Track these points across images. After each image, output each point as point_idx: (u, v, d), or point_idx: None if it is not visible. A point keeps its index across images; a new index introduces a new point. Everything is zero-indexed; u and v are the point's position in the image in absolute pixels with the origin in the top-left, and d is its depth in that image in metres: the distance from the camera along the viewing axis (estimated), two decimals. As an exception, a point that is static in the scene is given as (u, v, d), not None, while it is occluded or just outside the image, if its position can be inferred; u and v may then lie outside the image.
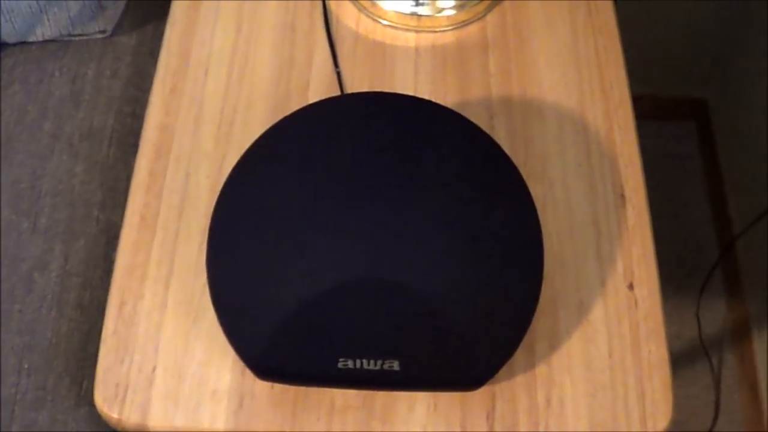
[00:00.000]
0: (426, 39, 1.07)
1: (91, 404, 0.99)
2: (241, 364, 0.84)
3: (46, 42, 1.23)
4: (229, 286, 0.79)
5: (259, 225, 0.78)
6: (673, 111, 2.26)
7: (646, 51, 2.02)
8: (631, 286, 0.91)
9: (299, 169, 0.79)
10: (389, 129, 0.81)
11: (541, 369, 0.86)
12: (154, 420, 0.84)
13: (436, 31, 1.07)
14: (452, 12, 1.07)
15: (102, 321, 0.90)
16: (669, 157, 2.23)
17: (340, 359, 0.77)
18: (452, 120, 0.84)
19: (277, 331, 0.76)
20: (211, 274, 0.80)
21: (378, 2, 1.07)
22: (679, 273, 2.03)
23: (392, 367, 0.77)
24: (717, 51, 2.08)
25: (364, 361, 0.77)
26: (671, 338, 1.83)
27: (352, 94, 0.86)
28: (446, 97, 1.01)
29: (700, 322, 1.98)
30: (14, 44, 1.23)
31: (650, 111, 2.20)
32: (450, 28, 1.07)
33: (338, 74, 1.03)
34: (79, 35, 1.23)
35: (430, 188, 0.77)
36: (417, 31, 1.07)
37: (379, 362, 0.77)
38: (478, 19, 1.08)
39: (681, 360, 1.95)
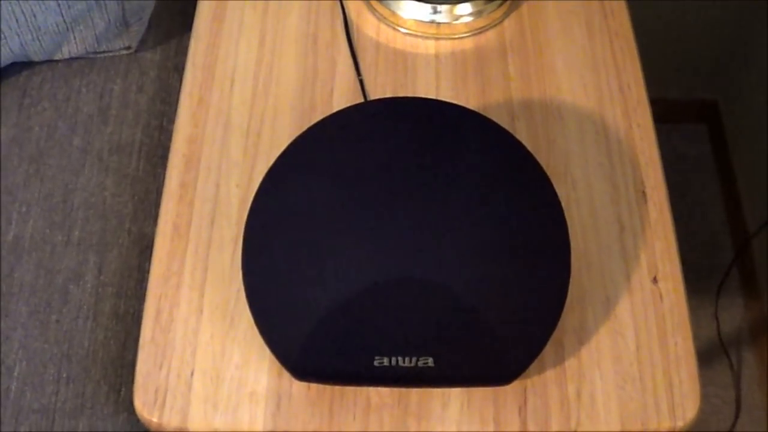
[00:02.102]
0: (445, 46, 1.09)
1: (130, 411, 1.01)
2: (278, 365, 0.86)
3: (72, 59, 1.25)
4: (264, 290, 0.81)
5: (293, 229, 0.80)
6: (684, 113, 2.27)
7: (656, 54, 2.04)
8: (655, 280, 0.92)
9: (330, 174, 0.81)
10: (416, 132, 0.83)
11: (570, 363, 0.88)
12: (194, 423, 0.86)
13: (455, 38, 1.09)
14: (470, 19, 1.09)
15: (137, 329, 0.92)
16: (681, 159, 2.24)
17: (376, 358, 0.79)
18: (477, 122, 0.85)
19: (313, 333, 0.78)
20: (247, 278, 0.82)
21: (397, 11, 1.09)
22: (696, 274, 2.04)
23: (427, 363, 0.79)
24: (727, 53, 2.08)
25: (400, 359, 0.79)
26: (690, 338, 1.84)
27: (378, 99, 0.88)
28: (468, 102, 1.03)
29: (718, 322, 1.99)
30: (41, 62, 1.25)
31: (661, 114, 2.21)
32: (468, 34, 1.09)
33: (361, 82, 1.05)
34: (105, 52, 1.25)
35: (458, 189, 0.79)
36: (436, 39, 1.09)
37: (414, 359, 0.79)
38: (496, 24, 1.10)
39: (700, 359, 1.95)
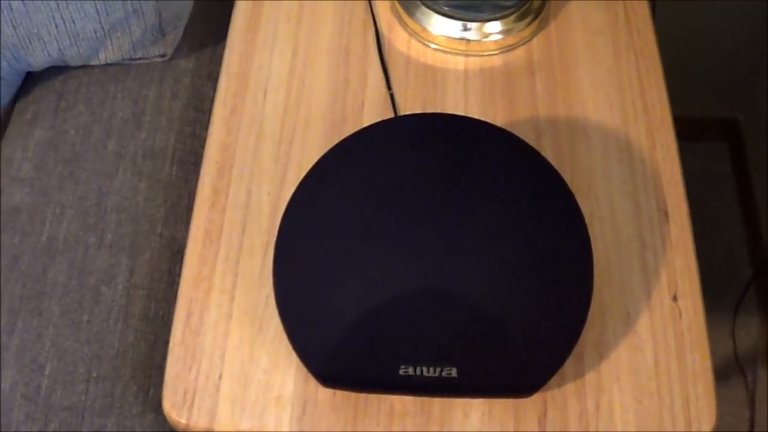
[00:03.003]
0: (474, 62, 1.11)
1: (157, 411, 1.03)
2: (304, 371, 0.88)
3: (107, 65, 1.27)
4: (294, 297, 0.83)
5: (324, 238, 0.82)
6: (705, 132, 2.28)
7: (678, 72, 2.05)
8: (675, 298, 0.94)
9: (361, 186, 0.83)
10: (445, 148, 0.85)
11: (590, 377, 0.90)
12: (221, 425, 0.88)
13: (484, 55, 1.11)
14: (499, 37, 1.11)
15: (166, 332, 0.94)
16: (702, 177, 2.24)
17: (401, 367, 0.80)
18: (504, 139, 0.87)
19: (340, 340, 0.80)
20: (277, 284, 0.84)
21: (428, 27, 1.11)
22: (714, 292, 2.04)
23: (450, 374, 0.81)
24: (749, 72, 2.09)
25: (424, 369, 0.80)
26: (706, 354, 1.84)
27: (408, 115, 0.90)
28: (495, 118, 1.05)
29: (735, 340, 2.00)
30: (78, 67, 1.27)
31: (682, 131, 2.21)
32: (497, 52, 1.11)
33: (391, 96, 1.07)
34: (140, 59, 1.27)
35: (485, 203, 0.81)
36: (466, 55, 1.11)
37: (438, 369, 0.80)
38: (524, 43, 1.12)
39: (716, 377, 1.96)
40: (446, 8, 1.11)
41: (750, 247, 2.14)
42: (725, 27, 1.96)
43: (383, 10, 1.15)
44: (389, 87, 1.07)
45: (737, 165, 2.24)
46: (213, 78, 1.28)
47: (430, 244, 0.79)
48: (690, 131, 2.24)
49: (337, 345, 0.80)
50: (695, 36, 1.98)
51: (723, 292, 2.07)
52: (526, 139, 0.99)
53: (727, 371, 2.00)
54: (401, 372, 0.81)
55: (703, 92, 2.16)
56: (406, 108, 1.06)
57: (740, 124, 2.24)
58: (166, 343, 0.92)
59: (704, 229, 2.13)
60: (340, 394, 0.88)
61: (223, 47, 1.12)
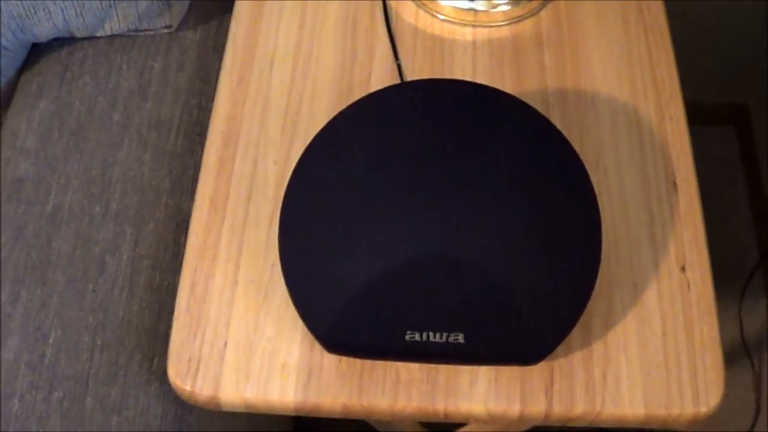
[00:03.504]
0: (483, 33, 1.10)
1: (162, 380, 1.03)
2: (309, 338, 0.88)
3: (113, 36, 1.27)
4: (300, 264, 0.82)
5: (329, 205, 0.81)
6: (713, 116, 2.27)
7: (686, 56, 2.04)
8: (683, 269, 0.93)
9: (366, 153, 0.82)
10: (453, 114, 0.84)
11: (597, 347, 0.89)
12: (226, 392, 0.87)
13: (492, 26, 1.10)
14: (507, 7, 1.10)
15: (171, 301, 0.94)
16: (709, 161, 2.24)
17: (408, 332, 0.80)
18: (512, 104, 0.87)
19: (346, 307, 0.80)
20: (283, 251, 0.84)
21: (436, -2, 1.11)
22: (721, 275, 2.03)
23: (457, 339, 0.80)
24: (757, 56, 2.09)
25: (431, 334, 0.80)
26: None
27: (415, 80, 0.89)
28: (503, 89, 1.04)
29: (742, 324, 2.00)
30: (83, 38, 1.27)
31: (691, 115, 2.21)
32: (506, 23, 1.11)
33: (399, 66, 1.06)
34: (146, 30, 1.26)
35: (494, 170, 0.80)
36: (474, 26, 1.10)
37: (445, 335, 0.80)
38: (533, 14, 1.11)
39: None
40: (454, -21, 1.10)
41: (757, 231, 2.14)
42: (735, 11, 1.96)
43: (391, -18, 1.15)
44: (396, 58, 1.07)
45: (745, 149, 2.24)
46: (219, 50, 1.28)
47: (437, 210, 0.79)
48: (699, 116, 2.24)
49: (342, 311, 0.80)
50: (705, 20, 1.98)
51: (730, 275, 2.06)
52: (535, 110, 0.99)
53: (734, 355, 1.99)
54: (407, 338, 0.81)
55: (712, 77, 2.16)
56: (414, 78, 1.06)
57: (749, 108, 2.23)
58: (171, 312, 0.92)
59: (712, 213, 2.12)
60: (346, 362, 0.88)
61: (230, 19, 1.12)
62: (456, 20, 1.10)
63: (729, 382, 1.90)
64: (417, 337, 0.80)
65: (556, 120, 1.02)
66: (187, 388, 0.88)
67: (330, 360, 0.88)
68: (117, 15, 1.21)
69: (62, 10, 1.17)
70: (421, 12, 1.11)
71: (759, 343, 2.01)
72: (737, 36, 2.04)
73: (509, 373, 0.88)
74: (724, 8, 1.95)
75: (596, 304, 0.91)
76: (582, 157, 0.99)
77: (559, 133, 0.86)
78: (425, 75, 1.06)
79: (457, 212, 0.78)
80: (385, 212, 0.79)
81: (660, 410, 0.87)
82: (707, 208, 0.97)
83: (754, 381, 1.97)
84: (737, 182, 2.22)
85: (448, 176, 0.80)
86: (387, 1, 1.12)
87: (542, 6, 1.11)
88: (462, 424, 1.31)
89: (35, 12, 1.16)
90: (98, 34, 1.25)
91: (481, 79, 1.05)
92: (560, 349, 0.87)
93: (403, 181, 0.80)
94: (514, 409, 0.86)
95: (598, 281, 0.83)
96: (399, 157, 0.81)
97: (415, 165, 0.80)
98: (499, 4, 1.09)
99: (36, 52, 1.28)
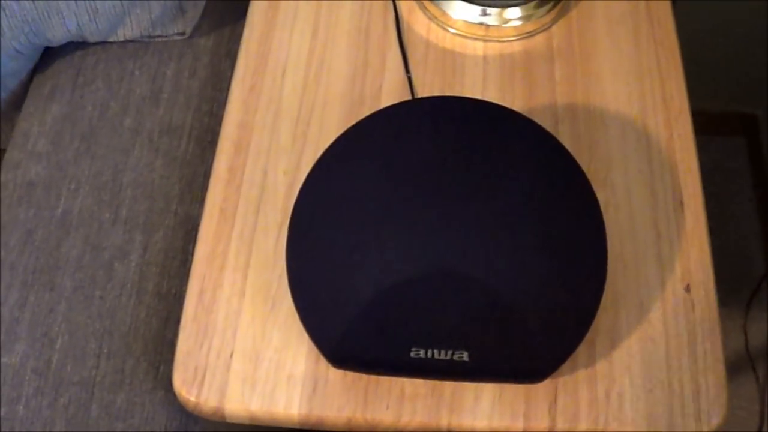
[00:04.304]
0: (494, 48, 1.10)
1: (167, 388, 1.03)
2: (315, 351, 0.88)
3: (126, 42, 1.27)
4: (307, 277, 0.83)
5: (338, 219, 0.82)
6: (722, 126, 2.27)
7: (696, 65, 2.04)
8: (688, 288, 0.94)
9: (377, 168, 0.83)
10: (462, 131, 0.85)
11: (601, 365, 0.90)
12: (231, 403, 0.88)
13: (503, 41, 1.11)
14: (519, 23, 1.10)
15: (179, 309, 0.94)
16: (718, 171, 2.23)
17: (413, 349, 0.80)
18: (521, 123, 0.87)
19: (352, 322, 0.80)
20: (290, 263, 0.84)
21: (447, 11, 1.10)
22: (727, 286, 2.04)
23: (462, 357, 0.80)
24: (767, 66, 2.08)
25: (435, 352, 0.80)
26: (718, 348, 1.84)
27: (426, 98, 0.89)
28: (513, 104, 1.05)
29: (746, 335, 2.00)
30: (96, 43, 1.27)
31: (700, 125, 2.21)
32: (517, 38, 1.11)
33: (409, 79, 1.07)
34: (159, 36, 1.27)
35: (500, 187, 0.81)
36: (485, 40, 1.11)
37: (450, 353, 0.80)
38: (544, 29, 1.12)
39: (727, 372, 1.96)
40: (466, -7, 1.10)
41: (764, 241, 2.14)
42: (745, 21, 1.95)
43: (403, -7, 1.15)
44: (407, 70, 1.07)
45: (754, 160, 2.23)
46: (232, 56, 1.28)
47: (444, 226, 0.79)
48: (707, 125, 2.23)
49: (348, 326, 0.80)
50: (715, 30, 1.97)
51: (736, 286, 2.06)
52: (544, 126, 0.99)
53: (739, 366, 1.99)
54: (412, 354, 0.81)
55: (722, 87, 2.15)
56: (424, 92, 1.06)
57: (758, 119, 2.23)
58: (178, 320, 0.92)
59: (719, 223, 2.12)
60: (351, 375, 0.88)
61: (243, 26, 1.12)
62: (467, 34, 1.11)
63: (733, 394, 1.91)
64: (422, 354, 0.80)
65: (565, 135, 1.03)
66: (193, 398, 0.88)
67: (335, 373, 0.89)
68: (130, 21, 1.22)
69: (76, 15, 1.18)
70: (433, 25, 1.12)
71: (764, 354, 2.01)
72: (747, 45, 2.03)
73: (513, 389, 0.88)
74: (734, 18, 1.94)
75: (602, 321, 0.91)
76: (590, 173, 0.99)
77: (566, 151, 0.86)
78: (435, 88, 1.06)
79: (463, 230, 0.79)
80: (393, 228, 0.80)
81: (662, 429, 0.87)
82: (714, 218, 0.97)
83: (758, 392, 1.97)
84: (745, 192, 2.21)
85: (455, 194, 0.80)
86: (399, 14, 1.12)
87: (553, 21, 1.12)
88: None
89: (49, 17, 1.17)
90: (111, 40, 1.26)
91: (491, 94, 1.06)
92: (565, 366, 0.87)
93: (410, 198, 0.80)
94: (518, 425, 0.87)
95: (603, 298, 0.83)
96: (408, 173, 0.81)
97: (423, 181, 0.81)
98: (510, 19, 1.10)
99: (49, 54, 1.28)
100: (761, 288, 2.03)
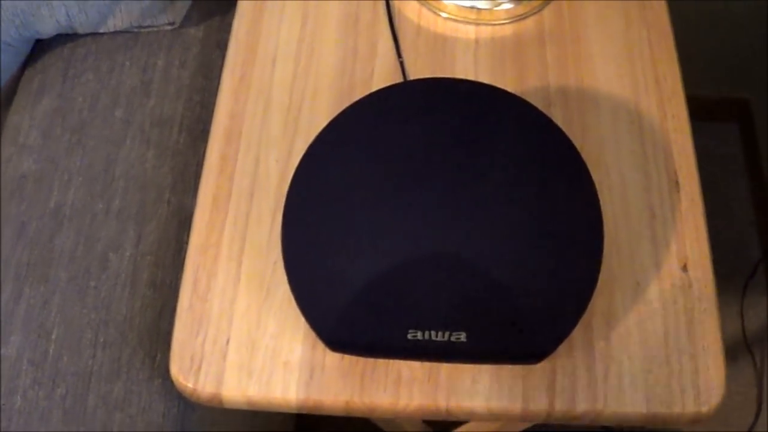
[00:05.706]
0: (485, 31, 1.10)
1: (164, 377, 1.03)
2: (312, 336, 0.88)
3: (116, 33, 1.27)
4: (303, 261, 0.83)
5: (332, 203, 0.82)
6: (715, 111, 2.27)
7: (688, 51, 2.04)
8: (685, 268, 0.93)
9: (369, 151, 0.83)
10: (455, 112, 0.85)
11: (599, 345, 0.89)
12: (228, 390, 0.87)
13: (494, 24, 1.10)
14: (510, 6, 1.10)
15: (173, 299, 0.94)
16: (711, 157, 2.24)
17: (410, 331, 0.80)
18: (514, 103, 0.87)
19: (349, 305, 0.80)
20: (285, 249, 0.84)
21: (438, -4, 1.10)
22: (723, 272, 2.04)
23: (459, 338, 0.80)
24: (760, 51, 2.08)
25: (433, 333, 0.80)
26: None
27: (418, 79, 0.89)
28: (505, 87, 1.03)
29: (743, 320, 2.00)
30: (86, 35, 1.27)
31: (692, 111, 2.21)
32: (508, 21, 1.11)
33: (401, 63, 1.06)
34: (149, 27, 1.26)
35: (494, 168, 0.81)
36: (476, 24, 1.10)
37: (447, 334, 0.80)
38: (536, 12, 1.11)
39: (725, 357, 1.97)
40: (457, -24, 1.10)
41: (759, 227, 2.14)
42: (737, 6, 1.95)
43: (393, -21, 1.15)
44: (399, 55, 1.07)
45: (747, 145, 2.23)
46: (222, 46, 1.28)
47: (439, 208, 0.79)
48: (700, 111, 2.22)
49: (345, 309, 0.80)
50: (707, 16, 1.97)
51: (732, 272, 2.06)
52: (537, 108, 0.99)
53: (736, 351, 1.99)
54: (410, 336, 0.81)
55: (714, 72, 2.16)
56: (416, 77, 1.06)
57: (751, 104, 2.23)
58: (173, 310, 0.92)
59: (714, 210, 2.12)
60: (348, 360, 0.88)
61: (232, 16, 1.11)
62: (459, 18, 1.10)
63: (731, 379, 1.91)
64: (419, 336, 0.80)
65: (558, 117, 1.02)
66: (190, 385, 0.88)
67: (332, 358, 0.88)
68: (120, 12, 1.21)
69: (65, 7, 1.18)
70: (424, 10, 1.11)
71: (761, 339, 2.01)
72: (740, 31, 2.03)
73: (511, 371, 0.88)
74: (727, 3, 1.94)
75: (598, 302, 0.91)
76: (583, 155, 0.98)
77: (560, 130, 0.86)
78: (428, 73, 1.06)
79: (459, 211, 0.79)
80: (388, 210, 0.80)
81: (661, 409, 0.87)
82: (709, 203, 0.97)
83: (755, 377, 1.97)
84: (739, 178, 2.21)
85: (450, 175, 0.80)
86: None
87: (545, 4, 1.11)
88: (464, 422, 1.32)
89: (38, 8, 1.16)
90: (101, 31, 1.25)
91: (483, 77, 1.05)
92: (562, 347, 0.87)
93: (405, 180, 0.80)
94: (516, 407, 0.87)
95: (599, 280, 0.83)
96: (401, 155, 0.81)
97: (417, 163, 0.81)
98: (501, 3, 1.09)
99: (39, 48, 1.28)
100: (757, 273, 2.03)
